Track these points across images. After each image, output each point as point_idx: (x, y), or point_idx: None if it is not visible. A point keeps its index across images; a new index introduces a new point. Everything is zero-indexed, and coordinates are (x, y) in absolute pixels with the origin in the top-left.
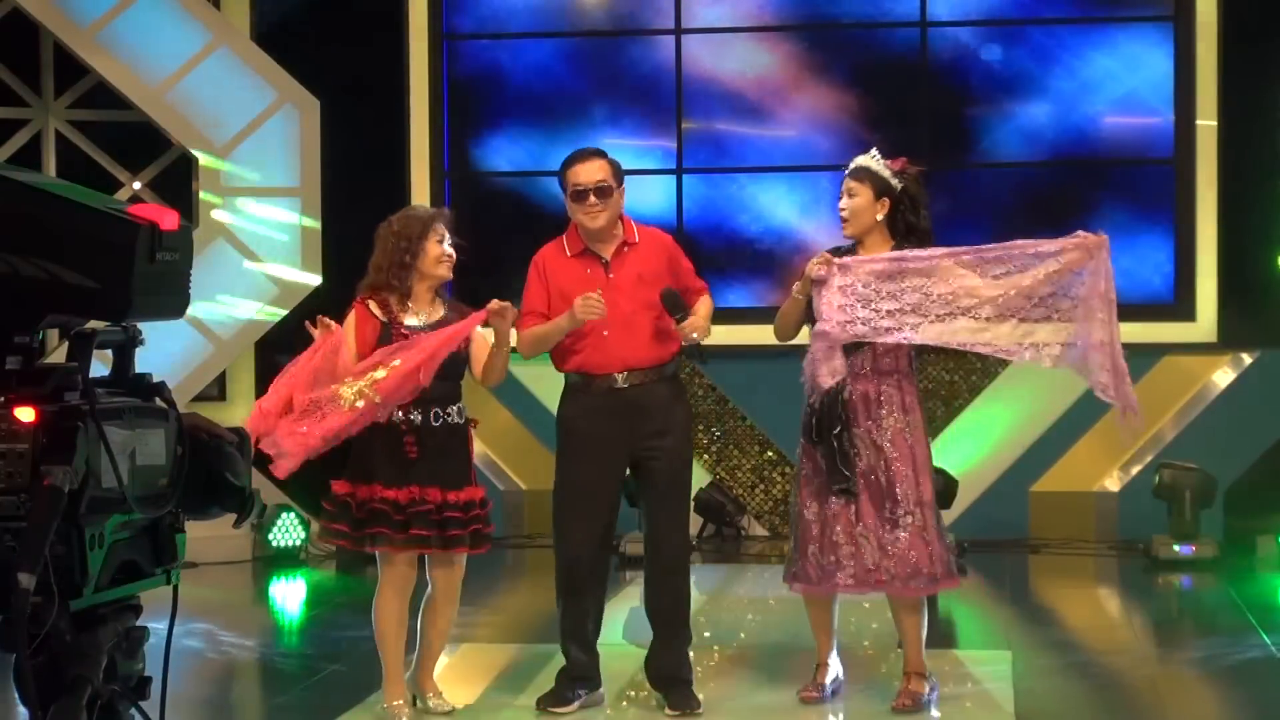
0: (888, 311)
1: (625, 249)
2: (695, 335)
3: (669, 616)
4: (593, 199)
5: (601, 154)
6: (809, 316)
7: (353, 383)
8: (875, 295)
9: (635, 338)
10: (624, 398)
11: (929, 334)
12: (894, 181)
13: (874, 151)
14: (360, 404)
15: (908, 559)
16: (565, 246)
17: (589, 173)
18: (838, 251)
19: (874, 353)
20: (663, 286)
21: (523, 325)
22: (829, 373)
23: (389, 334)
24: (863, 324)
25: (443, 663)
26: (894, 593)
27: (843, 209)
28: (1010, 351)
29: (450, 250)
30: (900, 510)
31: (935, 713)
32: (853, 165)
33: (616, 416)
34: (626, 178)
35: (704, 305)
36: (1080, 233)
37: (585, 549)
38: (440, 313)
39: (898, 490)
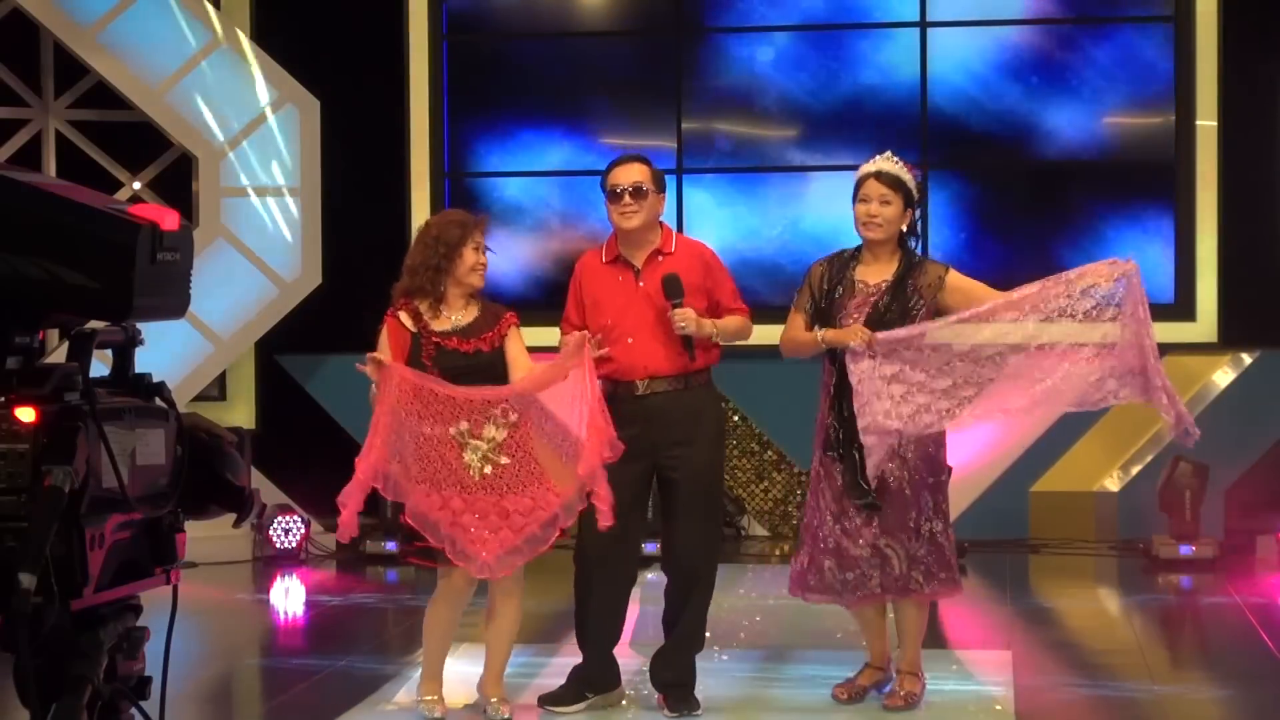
0: (943, 391)
1: (659, 257)
2: (682, 324)
3: (684, 627)
4: (628, 199)
5: (643, 160)
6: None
7: (474, 445)
8: (926, 376)
9: (659, 346)
10: (644, 405)
11: (987, 406)
12: (916, 194)
13: (889, 154)
14: (488, 470)
15: (933, 566)
16: (603, 253)
17: (626, 174)
18: (839, 258)
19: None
20: (694, 296)
21: (562, 331)
22: (875, 467)
23: (419, 343)
24: (928, 413)
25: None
26: (921, 599)
27: (874, 215)
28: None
29: (485, 259)
30: (924, 519)
31: (926, 712)
32: (880, 170)
33: (637, 424)
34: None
35: (728, 320)
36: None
37: (596, 550)
38: (474, 315)
39: (921, 499)
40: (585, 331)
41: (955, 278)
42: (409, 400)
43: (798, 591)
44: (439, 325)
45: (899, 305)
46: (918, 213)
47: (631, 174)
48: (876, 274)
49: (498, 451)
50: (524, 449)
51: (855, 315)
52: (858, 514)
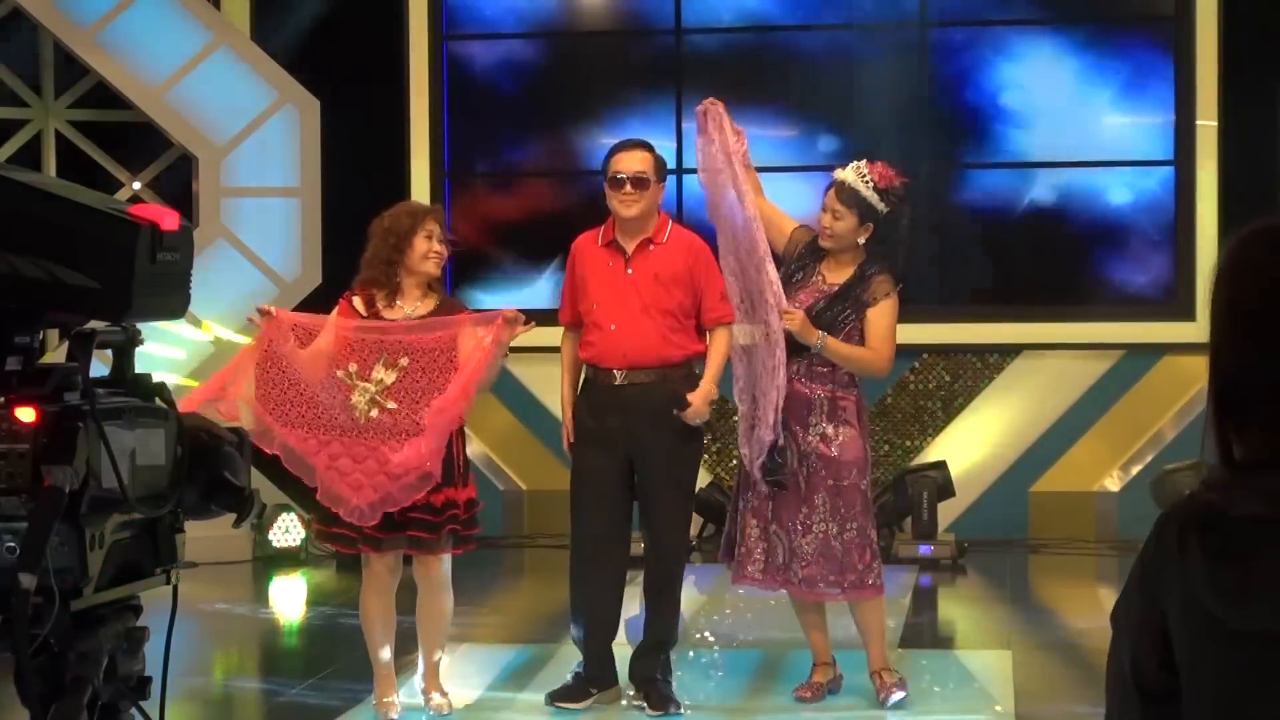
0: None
1: (650, 246)
2: (696, 420)
3: (656, 624)
4: (629, 187)
5: (647, 146)
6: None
7: (363, 386)
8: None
9: (640, 336)
10: (621, 395)
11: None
12: (880, 206)
13: (861, 165)
14: (375, 414)
15: (820, 568)
16: (599, 235)
17: (630, 161)
18: (811, 249)
19: (809, 359)
20: (680, 289)
21: (561, 316)
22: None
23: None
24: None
25: (444, 663)
26: (797, 595)
27: (826, 227)
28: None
29: (439, 248)
30: (814, 518)
31: (925, 713)
32: (839, 181)
33: (613, 413)
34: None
35: (712, 359)
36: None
37: (587, 542)
38: (430, 306)
39: (815, 498)
40: (519, 313)
41: (876, 310)
42: (291, 343)
43: (724, 558)
44: (391, 314)
45: (831, 314)
46: (902, 223)
47: (634, 162)
48: (835, 273)
49: (385, 395)
50: (410, 395)
51: (800, 301)
52: (760, 494)
